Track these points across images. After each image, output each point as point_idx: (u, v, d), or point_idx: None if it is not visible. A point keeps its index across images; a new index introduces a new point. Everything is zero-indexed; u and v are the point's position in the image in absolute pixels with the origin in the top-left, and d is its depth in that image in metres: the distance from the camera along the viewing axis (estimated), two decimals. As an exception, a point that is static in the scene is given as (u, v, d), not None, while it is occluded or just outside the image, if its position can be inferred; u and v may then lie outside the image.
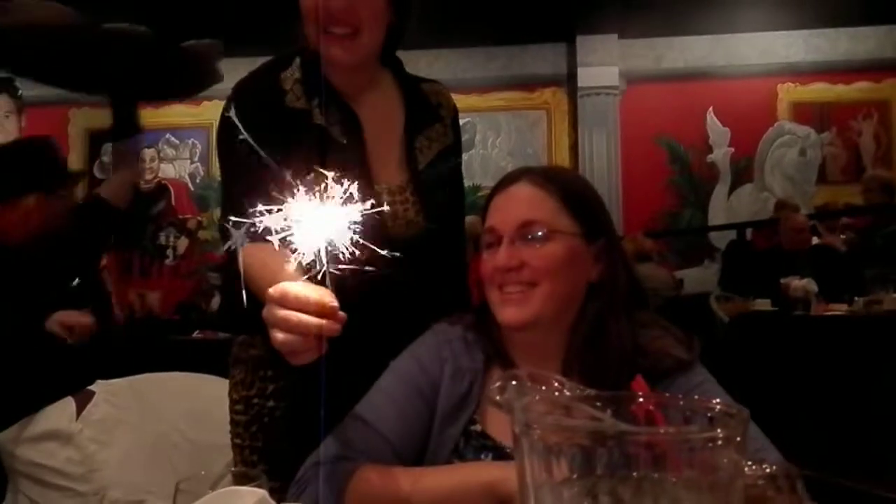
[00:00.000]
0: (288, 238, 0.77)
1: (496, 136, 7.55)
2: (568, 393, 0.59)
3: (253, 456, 1.32)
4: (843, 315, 3.84)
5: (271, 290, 0.82)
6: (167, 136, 7.69)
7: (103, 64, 1.92)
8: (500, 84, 7.48)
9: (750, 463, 0.49)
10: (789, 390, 3.39)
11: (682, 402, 0.53)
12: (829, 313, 3.92)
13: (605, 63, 7.18)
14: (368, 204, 0.78)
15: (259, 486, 0.73)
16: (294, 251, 0.77)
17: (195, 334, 4.49)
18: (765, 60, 7.11)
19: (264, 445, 1.32)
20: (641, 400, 0.55)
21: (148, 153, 7.44)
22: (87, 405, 1.90)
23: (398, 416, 1.03)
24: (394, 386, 1.06)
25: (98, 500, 1.80)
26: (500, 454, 1.01)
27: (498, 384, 0.60)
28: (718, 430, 0.47)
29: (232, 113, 1.28)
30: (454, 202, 1.41)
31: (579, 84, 7.23)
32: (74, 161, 7.17)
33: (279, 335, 0.81)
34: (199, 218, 7.79)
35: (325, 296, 0.79)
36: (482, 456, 1.02)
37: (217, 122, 1.31)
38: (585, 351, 1.04)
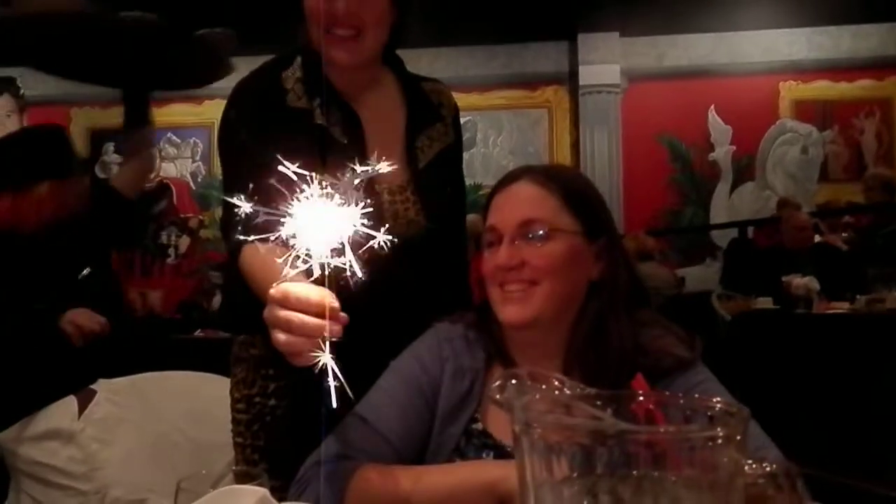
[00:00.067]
0: (289, 238, 0.77)
1: (497, 134, 7.55)
2: (568, 392, 0.59)
3: (254, 455, 1.33)
4: (845, 313, 3.84)
5: (272, 291, 0.82)
6: (169, 134, 7.70)
7: (115, 53, 1.92)
8: (501, 82, 7.48)
9: (750, 462, 0.49)
10: (791, 388, 3.39)
11: (682, 401, 0.53)
12: (831, 311, 3.92)
13: (606, 61, 7.17)
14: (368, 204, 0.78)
15: (260, 485, 0.73)
16: (295, 251, 0.77)
17: (197, 333, 4.50)
18: (767, 58, 7.10)
19: (266, 444, 1.32)
20: (642, 399, 0.55)
21: (149, 152, 7.44)
22: (89, 404, 1.91)
23: (399, 415, 1.03)
24: (395, 385, 1.06)
25: (100, 498, 1.81)
26: (502, 453, 1.01)
27: (498, 383, 0.60)
28: (718, 429, 0.47)
29: (233, 112, 1.28)
30: (455, 201, 1.41)
31: (581, 82, 7.23)
32: (76, 160, 7.17)
33: (281, 336, 0.82)
34: (200, 217, 7.79)
35: (327, 297, 0.80)
36: (483, 455, 1.02)
37: (218, 121, 1.32)
38: (586, 349, 1.04)
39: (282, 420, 1.32)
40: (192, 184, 7.87)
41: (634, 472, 0.46)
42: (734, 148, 7.23)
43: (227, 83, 1.40)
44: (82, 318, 2.10)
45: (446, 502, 0.89)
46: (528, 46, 7.38)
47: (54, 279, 2.15)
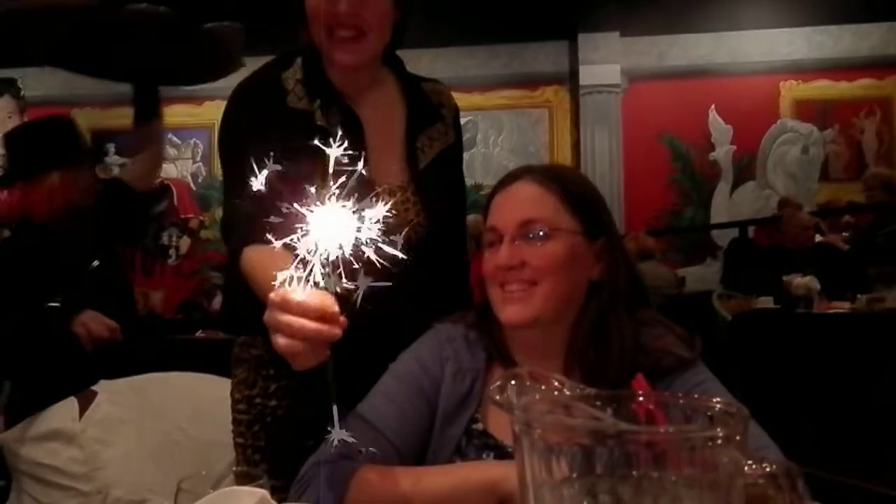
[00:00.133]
0: (289, 240, 0.77)
1: (498, 134, 7.55)
2: (568, 392, 0.59)
3: (255, 455, 1.33)
4: (846, 313, 3.83)
5: (272, 295, 0.82)
6: (169, 135, 7.70)
7: (121, 46, 1.91)
8: (501, 82, 7.49)
9: (750, 462, 0.49)
10: (791, 388, 3.38)
11: (682, 401, 0.53)
12: (832, 311, 3.91)
13: (607, 61, 7.18)
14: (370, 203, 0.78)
15: (261, 486, 0.73)
16: (295, 253, 0.77)
17: (198, 334, 4.50)
18: (767, 58, 7.10)
19: (266, 445, 1.32)
20: (642, 399, 0.55)
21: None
22: (90, 405, 1.91)
23: (399, 415, 1.03)
24: (395, 386, 1.07)
25: (101, 499, 1.81)
26: (502, 453, 1.01)
27: (498, 383, 0.60)
28: (718, 429, 0.47)
29: (233, 113, 1.28)
30: (455, 201, 1.41)
31: (581, 82, 7.23)
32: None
33: (281, 340, 0.82)
34: (201, 217, 7.80)
35: (326, 301, 0.80)
36: (484, 455, 1.02)
37: (219, 122, 1.32)
38: (587, 349, 1.04)
39: (282, 421, 1.32)
40: (192, 185, 7.87)
41: (634, 473, 0.46)
42: (735, 147, 7.23)
43: (228, 84, 1.40)
44: (94, 323, 2.11)
45: (446, 502, 0.89)
46: (528, 46, 7.38)
47: (65, 269, 2.16)
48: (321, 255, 0.76)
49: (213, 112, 7.03)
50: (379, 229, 0.77)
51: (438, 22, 5.55)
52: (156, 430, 1.91)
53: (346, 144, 1.25)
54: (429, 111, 1.38)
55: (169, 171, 7.74)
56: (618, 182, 7.13)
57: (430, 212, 1.31)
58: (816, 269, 4.22)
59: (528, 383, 0.60)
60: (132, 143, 2.27)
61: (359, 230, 0.76)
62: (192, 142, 7.81)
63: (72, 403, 1.89)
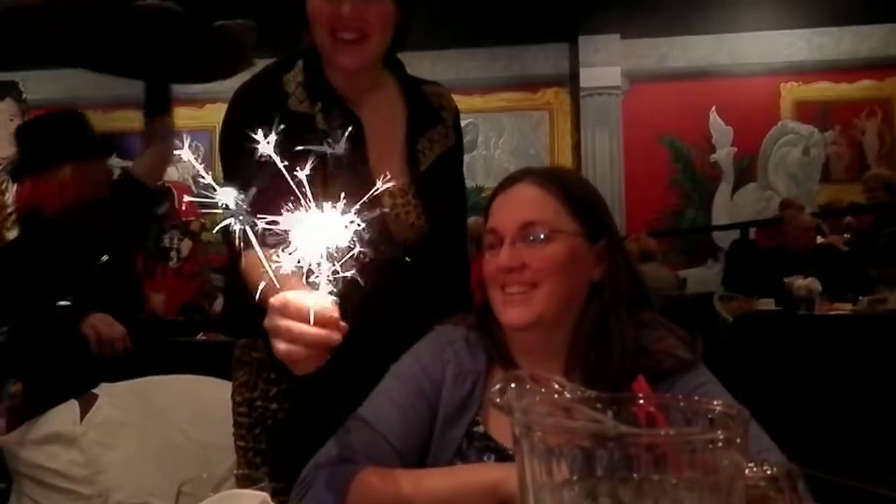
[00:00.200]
0: (290, 244, 0.77)
1: (499, 136, 7.55)
2: (568, 395, 0.59)
3: (256, 458, 1.33)
4: (847, 314, 3.83)
5: (272, 300, 0.82)
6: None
7: (132, 42, 1.91)
8: (502, 85, 7.49)
9: (751, 464, 0.49)
10: (793, 390, 3.38)
11: (682, 404, 0.53)
12: (833, 312, 3.91)
13: (607, 63, 7.18)
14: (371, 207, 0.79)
15: (262, 489, 0.73)
16: (296, 257, 0.77)
17: (199, 336, 4.49)
18: (767, 59, 7.10)
19: (268, 447, 1.32)
20: (642, 401, 0.55)
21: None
22: (91, 408, 1.91)
23: (400, 418, 1.03)
24: (396, 388, 1.06)
25: (101, 502, 1.80)
26: (503, 456, 1.01)
27: (498, 386, 0.60)
28: (719, 432, 0.47)
29: (234, 116, 1.29)
30: (456, 204, 1.41)
31: (582, 84, 7.23)
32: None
33: (281, 345, 0.82)
34: (202, 220, 7.80)
35: (326, 305, 0.80)
36: (485, 457, 1.02)
37: (220, 125, 1.32)
38: (588, 351, 1.04)
39: (283, 423, 1.32)
40: (193, 187, 7.87)
41: (635, 475, 0.46)
42: (735, 149, 7.23)
43: (229, 86, 1.40)
44: (103, 325, 2.11)
45: (447, 505, 0.89)
46: (528, 49, 7.38)
47: (75, 264, 2.16)
48: (320, 257, 0.76)
49: (214, 115, 7.03)
50: (379, 232, 0.77)
51: (439, 24, 5.56)
52: (157, 433, 1.91)
53: (347, 147, 1.26)
54: (429, 114, 1.38)
55: (170, 173, 7.73)
56: (618, 184, 7.13)
57: (430, 214, 1.31)
58: (818, 271, 4.22)
59: (528, 386, 0.60)
60: (143, 138, 2.27)
61: (359, 232, 0.76)
62: (193, 144, 7.80)
63: (73, 406, 1.89)
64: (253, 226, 0.77)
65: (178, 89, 2.37)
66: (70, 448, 1.85)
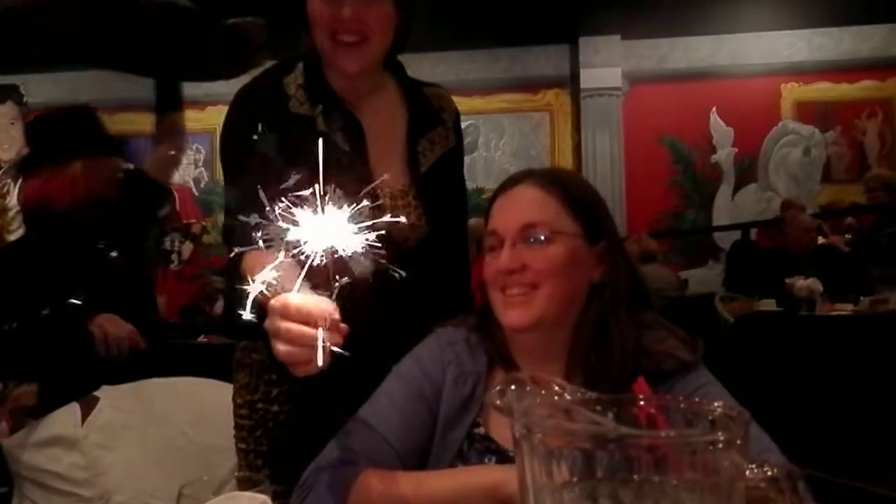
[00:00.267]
0: (291, 246, 0.77)
1: (499, 138, 7.55)
2: (568, 396, 0.59)
3: (257, 460, 1.33)
4: (849, 315, 3.82)
5: (273, 302, 0.82)
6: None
7: (142, 39, 1.91)
8: (502, 86, 7.49)
9: (752, 465, 0.49)
10: (794, 390, 3.38)
11: (683, 405, 0.53)
12: (835, 313, 3.90)
13: (607, 64, 7.18)
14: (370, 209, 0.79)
15: (263, 492, 0.73)
16: (297, 259, 0.77)
17: (200, 339, 4.49)
18: (768, 60, 7.10)
19: (269, 450, 1.32)
20: (643, 403, 0.55)
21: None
22: (93, 410, 1.91)
23: (401, 420, 1.03)
24: (397, 390, 1.06)
25: (103, 504, 1.81)
26: (504, 457, 1.01)
27: (498, 388, 0.60)
28: (719, 433, 0.47)
29: (235, 118, 1.29)
30: (456, 205, 1.41)
31: (582, 85, 7.23)
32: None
33: (281, 347, 0.82)
34: (203, 223, 7.81)
35: (327, 307, 0.80)
36: (486, 459, 1.02)
37: (220, 127, 1.32)
38: (588, 352, 1.04)
39: (284, 425, 1.32)
40: (194, 190, 7.88)
41: (635, 477, 0.46)
42: (736, 150, 7.22)
43: (230, 89, 1.40)
44: (111, 325, 2.11)
45: (447, 507, 0.89)
46: (529, 50, 7.39)
47: (85, 260, 2.16)
48: (321, 258, 0.76)
49: (214, 117, 7.03)
50: (379, 234, 0.77)
51: (439, 26, 5.55)
52: (158, 436, 1.91)
53: (347, 149, 1.26)
54: (430, 115, 1.38)
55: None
56: (619, 184, 7.13)
57: (431, 216, 1.31)
58: (819, 272, 4.22)
59: (528, 388, 0.60)
60: (154, 136, 2.27)
61: (359, 235, 0.76)
62: (194, 147, 7.82)
63: (74, 409, 1.89)
64: (254, 227, 0.77)
65: (199, 84, 2.36)
66: (71, 451, 1.84)
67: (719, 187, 7.26)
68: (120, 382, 2.00)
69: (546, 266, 1.02)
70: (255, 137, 1.19)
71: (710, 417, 0.51)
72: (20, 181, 2.27)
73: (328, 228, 0.76)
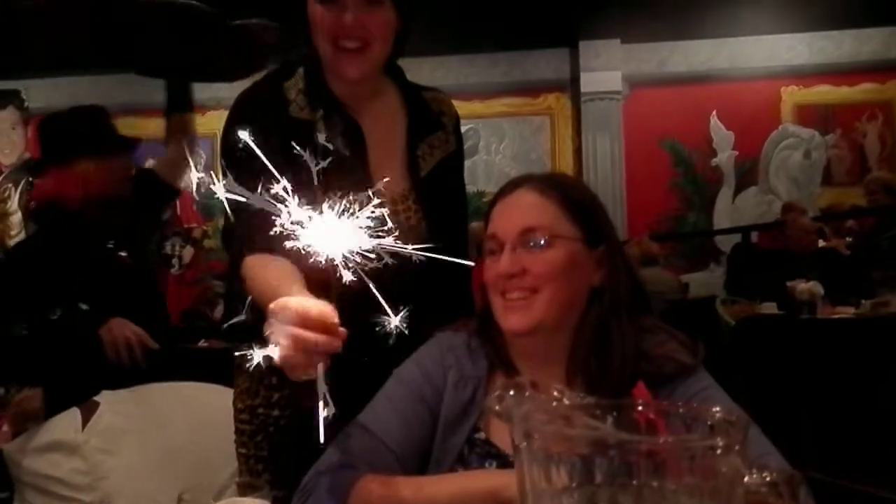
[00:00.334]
0: (291, 250, 0.77)
1: (500, 142, 7.55)
2: (568, 402, 0.59)
3: (258, 465, 1.32)
4: (850, 318, 3.82)
5: (272, 305, 0.82)
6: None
7: (152, 39, 1.91)
8: (503, 90, 7.49)
9: (752, 470, 0.49)
10: (795, 393, 3.37)
11: (682, 410, 0.53)
12: (836, 316, 3.90)
13: (608, 68, 7.18)
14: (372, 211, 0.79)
15: (263, 497, 0.73)
16: (297, 261, 0.77)
17: (201, 343, 4.49)
18: (768, 63, 7.10)
19: (269, 455, 1.32)
20: (642, 408, 0.55)
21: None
22: (93, 415, 1.91)
23: (401, 424, 1.03)
24: (397, 394, 1.06)
25: (103, 509, 1.80)
26: (505, 462, 1.00)
27: (497, 393, 0.60)
28: (718, 439, 0.47)
29: (235, 123, 1.29)
30: (456, 209, 1.41)
31: (582, 89, 7.23)
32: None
33: (278, 351, 0.82)
34: (204, 227, 7.81)
35: (326, 311, 0.80)
36: (486, 464, 1.02)
37: (221, 131, 1.32)
38: (588, 356, 1.04)
39: (285, 430, 1.31)
40: (195, 194, 7.88)
41: (634, 482, 0.46)
42: (736, 153, 7.22)
43: (231, 93, 1.40)
44: (118, 328, 2.10)
45: (448, 511, 0.89)
46: (529, 54, 7.39)
47: (96, 258, 2.16)
48: (321, 261, 0.76)
49: (215, 121, 7.02)
50: (380, 237, 0.78)
51: (439, 30, 5.56)
52: (159, 441, 1.90)
53: (347, 154, 1.26)
54: (429, 119, 1.38)
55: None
56: (620, 187, 7.13)
57: (431, 219, 1.31)
58: (820, 274, 4.22)
59: (527, 393, 0.60)
60: (165, 137, 2.27)
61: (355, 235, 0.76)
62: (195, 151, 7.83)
63: (74, 414, 1.89)
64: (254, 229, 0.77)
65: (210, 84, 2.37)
66: (72, 456, 1.84)
67: (720, 190, 7.25)
68: (124, 387, 2.00)
69: (546, 270, 1.02)
70: (256, 142, 1.19)
71: (709, 422, 0.51)
72: (22, 185, 2.28)
73: (328, 233, 0.77)
